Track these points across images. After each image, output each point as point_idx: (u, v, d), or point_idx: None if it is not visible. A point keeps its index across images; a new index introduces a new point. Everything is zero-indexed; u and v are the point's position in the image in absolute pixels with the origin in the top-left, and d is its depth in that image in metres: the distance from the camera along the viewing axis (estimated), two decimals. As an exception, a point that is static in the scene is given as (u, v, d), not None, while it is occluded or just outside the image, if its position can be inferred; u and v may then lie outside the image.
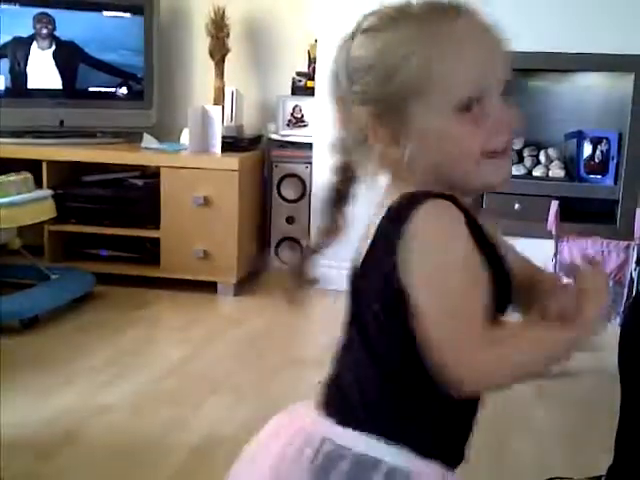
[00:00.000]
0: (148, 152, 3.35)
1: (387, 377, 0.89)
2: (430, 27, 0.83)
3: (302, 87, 3.43)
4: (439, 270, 0.81)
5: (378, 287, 0.85)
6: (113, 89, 3.52)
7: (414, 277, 0.81)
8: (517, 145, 3.26)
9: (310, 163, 3.38)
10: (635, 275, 2.32)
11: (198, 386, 2.35)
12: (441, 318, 0.80)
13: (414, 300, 0.81)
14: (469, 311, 0.81)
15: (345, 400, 0.91)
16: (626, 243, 2.34)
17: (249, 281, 3.39)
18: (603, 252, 2.32)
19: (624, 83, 3.02)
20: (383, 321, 0.86)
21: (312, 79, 3.36)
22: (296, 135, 3.48)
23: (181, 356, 2.59)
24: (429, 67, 0.82)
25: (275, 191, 3.50)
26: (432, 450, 0.89)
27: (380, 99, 0.85)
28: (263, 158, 3.53)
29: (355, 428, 0.89)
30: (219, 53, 3.48)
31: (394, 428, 0.88)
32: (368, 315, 0.88)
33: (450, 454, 0.92)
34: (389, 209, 0.85)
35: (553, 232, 2.38)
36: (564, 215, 3.14)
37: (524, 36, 3.00)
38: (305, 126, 3.48)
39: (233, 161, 3.17)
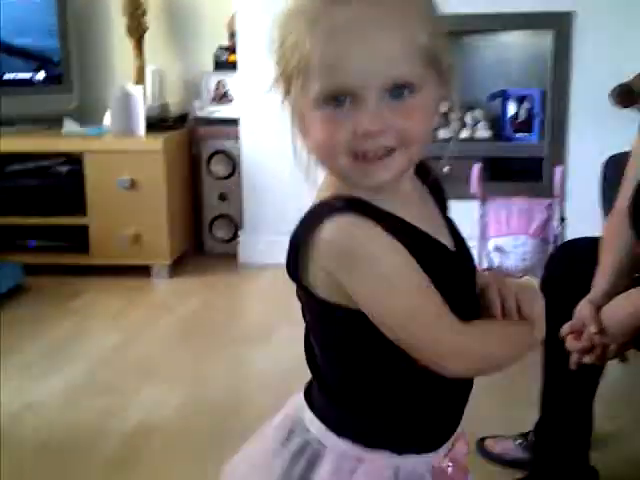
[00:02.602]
0: (70, 137, 3.26)
1: (335, 365, 0.87)
2: (312, 8, 0.77)
3: (224, 62, 3.37)
4: (378, 285, 0.78)
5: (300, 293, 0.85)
6: (30, 74, 3.41)
7: (358, 297, 0.79)
8: (443, 108, 3.26)
9: (238, 139, 3.33)
10: (560, 231, 2.35)
11: (132, 374, 2.31)
12: (404, 323, 0.79)
13: (370, 316, 0.79)
14: (428, 307, 0.80)
15: (311, 383, 0.92)
16: (549, 201, 2.36)
17: (184, 261, 3.35)
18: (527, 210, 2.34)
19: (544, 41, 3.04)
20: (318, 321, 0.87)
21: (234, 53, 3.30)
22: (222, 111, 3.42)
23: (115, 344, 2.55)
24: (301, 51, 0.77)
25: (205, 169, 3.44)
26: (382, 440, 0.87)
27: (277, 77, 0.82)
28: (190, 136, 3.47)
29: (316, 413, 0.89)
30: (137, 31, 3.39)
31: (345, 416, 0.87)
32: (305, 310, 0.88)
33: (410, 441, 0.88)
34: (302, 218, 0.82)
35: (477, 194, 2.39)
36: (493, 175, 3.17)
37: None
38: (230, 101, 3.42)
39: (157, 142, 3.11)
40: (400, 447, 0.87)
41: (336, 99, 0.76)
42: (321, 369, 0.89)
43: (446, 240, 0.87)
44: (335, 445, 0.87)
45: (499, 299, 0.86)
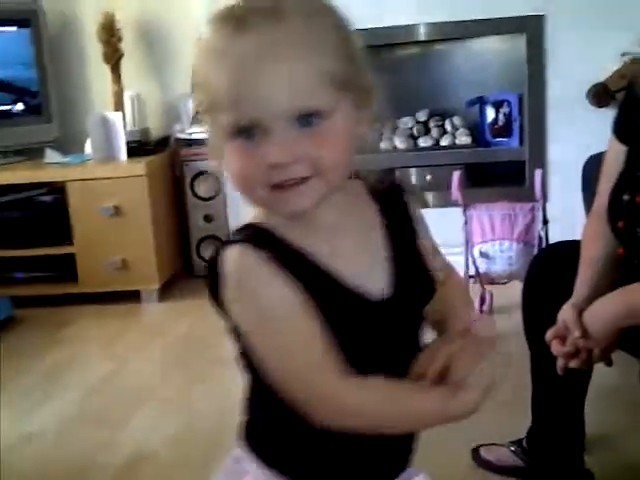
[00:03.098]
0: (52, 167, 3.26)
1: (254, 399, 0.90)
2: (218, 41, 0.76)
3: (202, 83, 3.37)
4: (253, 318, 0.78)
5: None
6: (9, 106, 3.41)
7: (240, 329, 0.79)
8: (422, 117, 3.28)
9: (221, 159, 3.33)
10: (543, 234, 2.35)
11: (123, 402, 2.30)
12: (288, 378, 0.78)
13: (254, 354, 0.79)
14: (305, 351, 0.77)
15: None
16: (531, 204, 2.37)
17: (173, 284, 3.34)
18: (510, 215, 2.34)
19: (518, 45, 3.06)
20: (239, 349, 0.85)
21: (211, 74, 3.30)
22: (203, 132, 3.41)
23: (106, 373, 2.54)
24: (209, 84, 0.77)
25: (189, 191, 3.44)
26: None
27: (194, 111, 0.84)
28: (172, 159, 3.47)
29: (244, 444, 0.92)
30: (113, 58, 3.39)
31: (268, 452, 0.89)
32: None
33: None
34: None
35: (459, 201, 2.40)
36: (475, 181, 3.18)
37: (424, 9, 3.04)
38: (210, 122, 3.42)
39: (139, 166, 3.11)
40: None
41: (246, 131, 0.76)
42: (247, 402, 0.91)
43: (374, 281, 0.82)
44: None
45: (427, 358, 0.81)
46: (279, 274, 0.76)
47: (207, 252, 3.47)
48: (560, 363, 1.41)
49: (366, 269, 0.83)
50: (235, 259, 0.77)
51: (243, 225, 0.82)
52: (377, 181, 0.89)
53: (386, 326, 0.82)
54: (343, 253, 0.82)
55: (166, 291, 3.26)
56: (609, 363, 1.40)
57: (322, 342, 0.77)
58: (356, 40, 0.81)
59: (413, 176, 3.24)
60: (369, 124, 0.81)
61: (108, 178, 3.12)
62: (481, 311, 2.70)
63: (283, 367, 0.78)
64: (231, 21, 0.75)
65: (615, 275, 1.44)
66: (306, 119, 0.75)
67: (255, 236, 0.79)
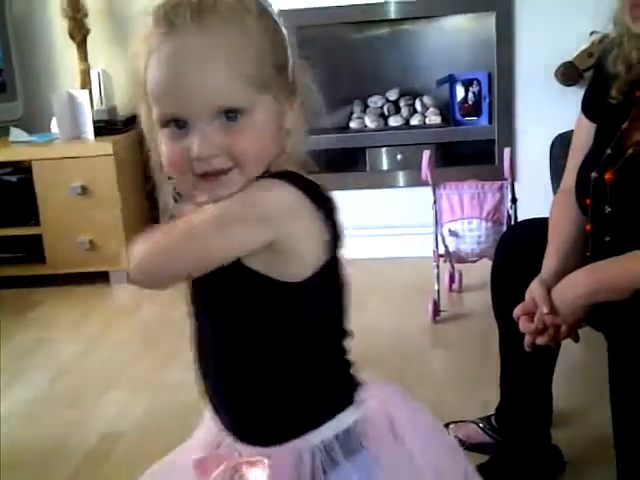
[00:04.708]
0: (17, 146, 3.20)
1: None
2: (150, 38, 0.84)
3: (170, 60, 3.33)
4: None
5: None
6: (-28, 84, 3.34)
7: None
8: (393, 96, 3.27)
9: (189, 137, 3.30)
10: (512, 213, 2.37)
11: (93, 383, 2.29)
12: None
13: None
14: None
15: None
16: (500, 183, 2.37)
17: (142, 265, 3.31)
18: (479, 194, 2.35)
19: (487, 24, 3.05)
20: None
21: (180, 51, 3.26)
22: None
23: (75, 354, 2.52)
24: (140, 77, 0.84)
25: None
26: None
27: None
28: (141, 138, 3.41)
29: None
30: (79, 34, 3.33)
31: None
32: None
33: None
34: None
35: (429, 181, 2.40)
36: (446, 160, 3.19)
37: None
38: (179, 100, 3.39)
39: (107, 145, 3.07)
40: None
41: (175, 122, 0.83)
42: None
43: None
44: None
45: None
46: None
47: (177, 232, 3.44)
48: (527, 340, 1.42)
49: None
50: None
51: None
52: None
53: None
54: None
55: (135, 271, 3.22)
56: (576, 339, 1.42)
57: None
58: (283, 39, 0.87)
59: (383, 155, 3.24)
60: (298, 117, 0.88)
61: (75, 157, 3.07)
62: (451, 289, 2.72)
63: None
64: (163, 21, 0.82)
65: (583, 251, 1.45)
66: (226, 115, 0.82)
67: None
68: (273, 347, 0.90)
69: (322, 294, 0.90)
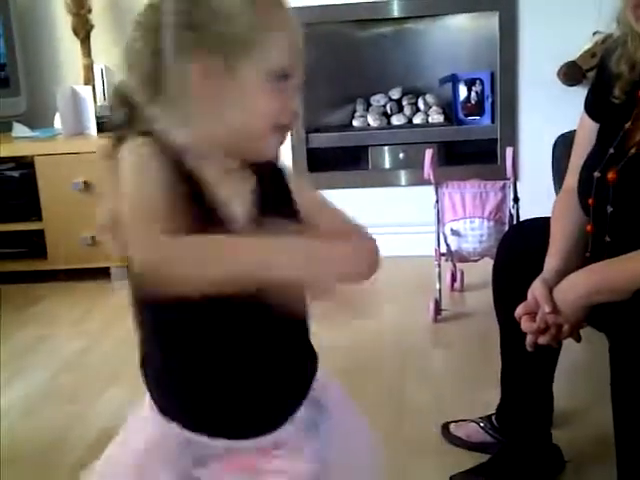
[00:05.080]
0: (20, 141, 3.21)
1: (151, 340, 0.99)
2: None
3: (174, 57, 3.33)
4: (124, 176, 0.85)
5: None
6: (-25, 79, 3.34)
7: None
8: (396, 94, 3.28)
9: (191, 134, 3.30)
10: (514, 212, 2.37)
11: (94, 379, 2.29)
12: (127, 212, 0.85)
13: None
14: (146, 209, 0.82)
15: None
16: (502, 183, 2.37)
17: (144, 262, 3.31)
18: (481, 193, 2.35)
19: (491, 23, 3.05)
20: None
21: (183, 48, 3.26)
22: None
23: (77, 350, 2.52)
24: (258, 26, 0.86)
25: (160, 167, 3.40)
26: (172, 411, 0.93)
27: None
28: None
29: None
30: (83, 30, 3.33)
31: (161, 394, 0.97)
32: None
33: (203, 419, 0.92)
34: None
35: (431, 179, 2.40)
36: (449, 159, 3.19)
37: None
38: (182, 97, 3.39)
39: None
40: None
41: (285, 77, 0.88)
42: None
43: (239, 208, 0.88)
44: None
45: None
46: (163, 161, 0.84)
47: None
48: (529, 339, 1.42)
49: (234, 198, 0.89)
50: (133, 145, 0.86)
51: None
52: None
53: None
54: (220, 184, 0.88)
55: (137, 268, 3.23)
56: (578, 339, 1.42)
57: (169, 209, 0.81)
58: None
59: (386, 154, 3.24)
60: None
61: (77, 153, 3.07)
62: (452, 288, 2.72)
63: (130, 208, 0.84)
64: None
65: (585, 251, 1.45)
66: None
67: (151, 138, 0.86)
68: None
69: None
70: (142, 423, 0.97)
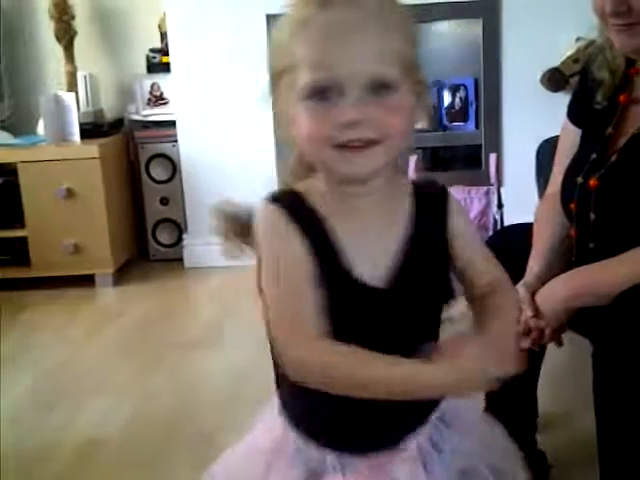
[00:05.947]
0: (3, 148, 3.18)
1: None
2: (303, 12, 0.85)
3: (157, 64, 3.33)
4: (264, 264, 0.88)
5: None
6: (-43, 85, 3.32)
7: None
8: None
9: (176, 141, 3.30)
10: (498, 218, 2.37)
11: (78, 388, 2.27)
12: (272, 304, 0.86)
13: None
14: (288, 304, 0.84)
15: None
16: (486, 188, 2.38)
17: (128, 269, 3.30)
18: (466, 199, 2.36)
19: (475, 30, 3.07)
20: None
21: (167, 54, 3.25)
22: (158, 114, 3.38)
23: (61, 357, 2.50)
24: (292, 48, 0.85)
25: (144, 173, 3.40)
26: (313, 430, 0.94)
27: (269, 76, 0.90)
28: (127, 141, 3.42)
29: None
30: (66, 36, 3.33)
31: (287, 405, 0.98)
32: None
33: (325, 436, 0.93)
34: None
35: (415, 186, 2.40)
36: (433, 165, 3.19)
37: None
38: (166, 104, 3.38)
39: (92, 148, 3.06)
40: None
41: (322, 93, 0.83)
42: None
43: (371, 267, 0.88)
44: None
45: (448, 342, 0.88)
46: (296, 233, 0.86)
47: (163, 236, 3.43)
48: (512, 343, 1.42)
49: (370, 256, 0.89)
50: (263, 214, 0.89)
51: (283, 189, 0.92)
52: (425, 183, 0.96)
53: (379, 313, 0.89)
54: (359, 233, 0.89)
55: (121, 275, 3.22)
56: (560, 343, 1.42)
57: (312, 301, 0.84)
58: (417, 36, 0.91)
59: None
60: (420, 115, 0.90)
61: (61, 160, 3.06)
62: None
63: (275, 309, 0.85)
64: (315, 1, 0.85)
65: (567, 256, 1.45)
66: (377, 89, 0.84)
67: (285, 197, 0.89)
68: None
69: None
70: (271, 423, 0.99)
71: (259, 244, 0.88)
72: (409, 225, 0.92)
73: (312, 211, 0.88)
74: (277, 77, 0.88)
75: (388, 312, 0.89)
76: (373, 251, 0.89)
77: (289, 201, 0.89)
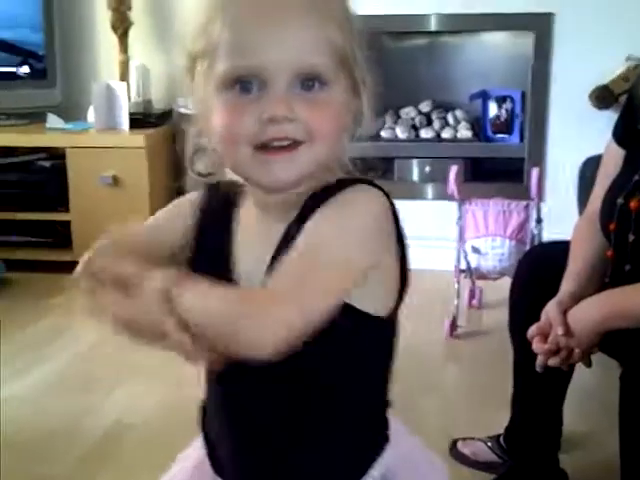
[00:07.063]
0: (53, 133, 3.25)
1: None
2: None
3: (209, 58, 3.36)
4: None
5: None
6: (14, 68, 3.39)
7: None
8: (425, 108, 3.28)
9: (222, 136, 3.33)
10: (536, 233, 2.36)
11: (109, 371, 2.32)
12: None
13: None
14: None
15: None
16: (526, 202, 2.37)
17: (166, 258, 3.34)
18: (505, 212, 2.35)
19: (525, 42, 3.05)
20: None
21: (218, 49, 3.29)
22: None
23: (94, 341, 2.54)
24: (210, 30, 0.74)
25: (189, 166, 3.43)
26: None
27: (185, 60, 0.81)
28: (174, 133, 3.46)
29: None
30: (121, 26, 3.38)
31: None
32: None
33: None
34: None
35: (455, 196, 2.40)
36: (474, 176, 3.19)
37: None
38: (214, 98, 3.42)
39: (139, 138, 3.11)
40: None
41: (242, 84, 0.73)
42: None
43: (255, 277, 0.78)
44: None
45: None
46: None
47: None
48: (540, 360, 1.42)
49: (253, 264, 0.81)
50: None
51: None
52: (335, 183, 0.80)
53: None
54: (248, 243, 0.83)
55: (159, 264, 3.26)
56: (588, 364, 1.42)
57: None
58: (357, 28, 0.80)
59: (413, 166, 3.25)
60: (356, 115, 0.80)
61: (108, 147, 3.12)
62: (470, 305, 2.71)
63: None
64: None
65: (602, 277, 1.45)
66: (308, 82, 0.73)
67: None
68: (354, 391, 0.82)
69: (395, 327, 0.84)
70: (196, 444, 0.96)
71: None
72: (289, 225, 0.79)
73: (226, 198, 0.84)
74: (192, 61, 0.77)
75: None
76: (253, 257, 0.82)
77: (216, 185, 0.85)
